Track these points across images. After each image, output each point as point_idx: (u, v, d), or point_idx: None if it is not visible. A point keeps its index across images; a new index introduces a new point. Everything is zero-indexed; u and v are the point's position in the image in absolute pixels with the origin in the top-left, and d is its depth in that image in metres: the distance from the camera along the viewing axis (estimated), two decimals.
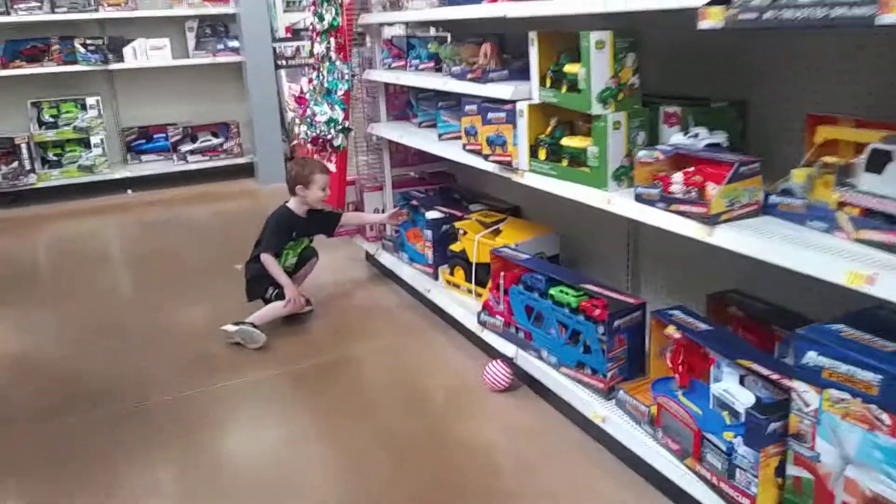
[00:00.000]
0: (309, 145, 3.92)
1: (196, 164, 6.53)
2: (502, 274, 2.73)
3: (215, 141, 6.61)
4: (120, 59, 6.20)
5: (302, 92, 3.99)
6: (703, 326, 2.10)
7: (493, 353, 2.85)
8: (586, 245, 3.10)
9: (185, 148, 6.50)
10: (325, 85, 3.70)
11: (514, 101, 2.45)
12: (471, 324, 2.98)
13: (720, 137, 2.04)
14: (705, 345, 2.02)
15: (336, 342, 3.29)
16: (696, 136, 2.04)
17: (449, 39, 3.48)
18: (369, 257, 4.20)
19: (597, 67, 2.05)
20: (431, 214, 3.47)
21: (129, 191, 6.36)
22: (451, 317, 3.19)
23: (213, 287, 4.08)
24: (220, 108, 6.83)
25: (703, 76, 2.37)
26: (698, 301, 2.37)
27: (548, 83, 2.34)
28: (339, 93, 3.66)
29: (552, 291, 2.51)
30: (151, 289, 4.15)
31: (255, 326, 3.27)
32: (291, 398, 2.89)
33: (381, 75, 3.55)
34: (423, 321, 3.41)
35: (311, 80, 3.84)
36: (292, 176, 3.46)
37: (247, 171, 6.69)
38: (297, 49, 6.54)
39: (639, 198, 1.98)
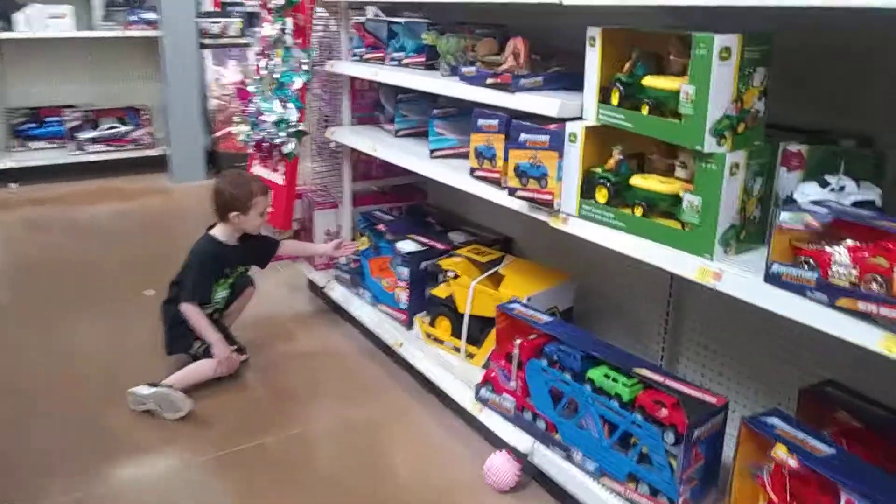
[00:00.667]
0: (250, 150, 3.15)
1: (97, 154, 5.54)
2: (518, 342, 2.08)
3: (121, 129, 5.64)
4: (9, 26, 5.15)
5: (244, 83, 3.20)
6: (824, 449, 1.53)
7: (495, 441, 2.20)
8: (605, 295, 2.50)
9: (84, 135, 5.49)
10: (276, 76, 2.94)
11: (560, 121, 1.82)
12: (463, 398, 2.32)
13: (872, 193, 1.48)
14: (840, 483, 1.45)
15: (281, 411, 2.55)
16: (840, 189, 1.46)
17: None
18: (313, 287, 3.46)
19: (717, 86, 1.44)
20: (405, 246, 2.78)
21: (13, 184, 5.31)
22: (431, 383, 2.53)
23: (117, 319, 3.24)
24: (130, 90, 5.86)
25: (818, 100, 1.79)
26: (766, 389, 1.82)
27: (614, 99, 1.72)
28: (294, 87, 2.92)
29: (593, 374, 1.90)
30: (30, 317, 3.25)
31: (174, 389, 2.49)
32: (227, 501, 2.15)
33: (352, 69, 2.83)
34: (392, 383, 2.72)
35: (258, 70, 3.07)
36: (226, 198, 2.69)
37: (158, 165, 5.74)
38: (225, 26, 5.66)
39: (775, 279, 1.37)
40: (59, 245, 4.27)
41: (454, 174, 2.27)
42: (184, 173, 5.54)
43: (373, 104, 3.13)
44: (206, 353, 2.68)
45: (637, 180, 1.72)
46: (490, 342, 2.40)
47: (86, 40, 5.49)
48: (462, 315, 2.50)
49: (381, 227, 2.99)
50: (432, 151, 2.44)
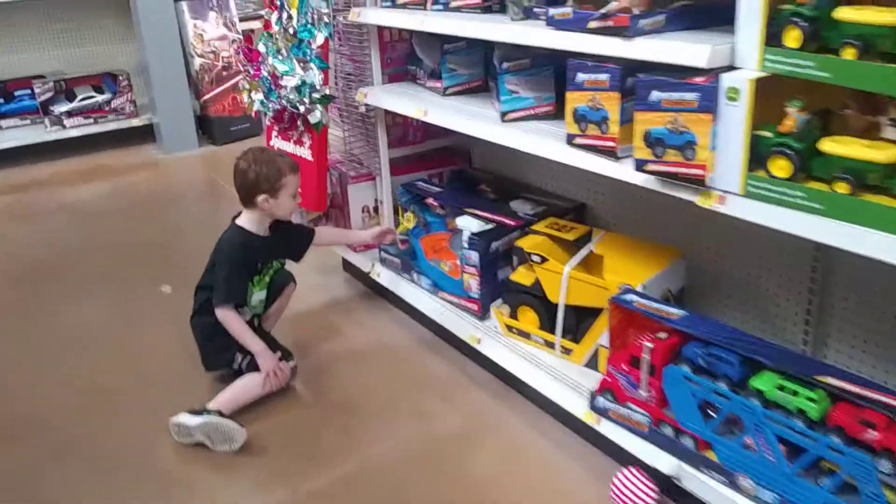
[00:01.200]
0: (268, 122, 2.69)
1: (76, 129, 5.01)
2: (650, 346, 1.71)
3: (99, 98, 5.09)
4: None
5: (250, 42, 2.71)
6: None
7: (617, 455, 1.86)
8: (719, 270, 2.12)
9: (59, 108, 4.95)
10: (293, 31, 2.46)
11: (707, 72, 1.39)
12: (572, 405, 1.96)
13: None
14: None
15: (347, 431, 2.19)
16: None
17: None
18: (349, 266, 3.07)
19: None
20: (468, 224, 2.37)
21: None
22: (517, 381, 2.17)
23: (135, 325, 2.84)
24: (102, 54, 5.31)
25: None
26: None
27: (791, 40, 1.29)
28: (316, 43, 2.44)
29: (760, 385, 1.53)
30: (31, 329, 2.84)
31: (224, 416, 2.12)
32: None
33: (387, 17, 2.35)
34: (470, 384, 2.36)
35: (267, 24, 2.58)
36: (251, 179, 2.26)
37: (144, 135, 5.24)
38: None
39: None
40: (47, 237, 3.81)
41: (544, 143, 1.84)
42: (174, 143, 5.05)
43: (405, 57, 2.66)
44: (251, 366, 2.30)
45: (831, 145, 1.31)
46: (593, 336, 2.03)
47: (46, 1, 4.88)
48: (553, 305, 2.12)
49: (430, 200, 2.57)
50: (504, 114, 2.00)
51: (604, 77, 1.59)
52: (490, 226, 2.35)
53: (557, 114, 2.00)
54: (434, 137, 2.87)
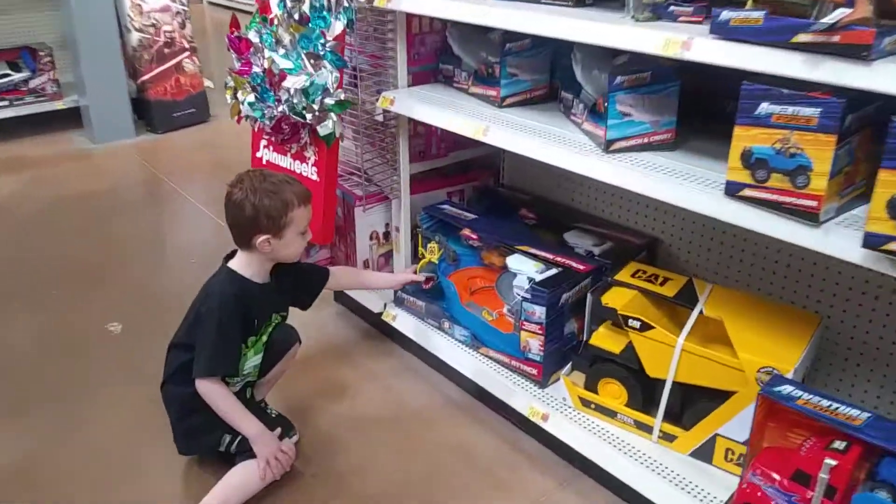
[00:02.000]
0: (256, 129, 2.13)
1: None
2: (830, 464, 1.29)
3: (15, 76, 4.31)
4: None
5: (237, 27, 2.12)
6: None
7: None
8: (845, 332, 1.72)
9: None
10: (301, 18, 1.91)
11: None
12: None
13: None
14: None
15: None
16: None
17: None
18: (342, 296, 2.55)
19: None
20: (521, 266, 1.92)
21: None
22: (600, 470, 1.73)
23: (74, 383, 2.23)
24: (19, 24, 4.49)
25: None
26: None
27: None
28: (332, 34, 1.90)
29: None
30: None
31: None
32: None
33: (428, 5, 1.80)
34: (531, 468, 1.90)
35: (264, 7, 2.00)
36: (250, 216, 1.72)
37: (70, 120, 4.49)
38: None
39: None
40: None
41: (683, 191, 1.37)
42: (106, 130, 4.34)
43: (434, 53, 2.14)
44: (242, 448, 1.79)
45: None
46: (710, 423, 1.61)
47: None
48: (649, 380, 1.69)
49: (466, 232, 2.07)
50: (611, 142, 1.52)
51: (811, 112, 1.14)
52: (553, 270, 1.89)
53: (675, 143, 1.55)
54: (458, 149, 2.36)
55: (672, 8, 1.37)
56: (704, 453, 1.64)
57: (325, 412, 2.12)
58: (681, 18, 1.37)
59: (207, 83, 4.83)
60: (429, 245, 2.20)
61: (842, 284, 1.70)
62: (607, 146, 1.52)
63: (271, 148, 2.20)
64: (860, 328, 1.69)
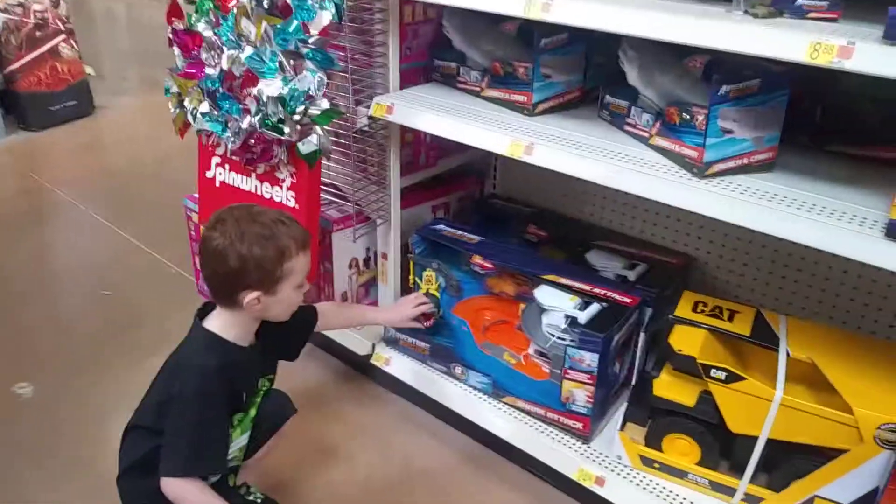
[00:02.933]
0: (215, 149, 1.70)
1: None
2: None
3: None
4: None
5: (179, 15, 1.66)
6: None
7: None
8: None
9: None
10: (270, 6, 1.49)
11: None
12: None
13: None
14: None
15: None
16: None
17: None
18: (330, 344, 2.16)
19: None
20: (553, 300, 1.63)
21: None
22: None
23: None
24: None
25: None
26: None
27: None
28: (316, 27, 1.49)
29: None
30: None
31: None
32: None
33: None
34: None
35: None
36: (234, 267, 1.31)
37: None
38: None
39: None
40: None
41: (836, 235, 1.10)
42: None
43: (427, 46, 1.78)
44: None
45: None
46: (809, 484, 1.39)
47: None
48: (733, 436, 1.45)
49: (478, 259, 1.75)
50: (708, 165, 1.24)
51: None
52: (595, 305, 1.61)
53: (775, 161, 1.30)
54: (447, 157, 2.02)
55: (800, 2, 1.09)
56: None
57: (317, 482, 1.76)
58: (811, 14, 1.10)
59: (88, 70, 4.16)
60: (424, 273, 1.86)
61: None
62: (705, 170, 1.24)
63: (227, 167, 1.77)
64: None
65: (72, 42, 3.96)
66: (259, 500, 1.61)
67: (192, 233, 2.14)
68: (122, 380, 2.05)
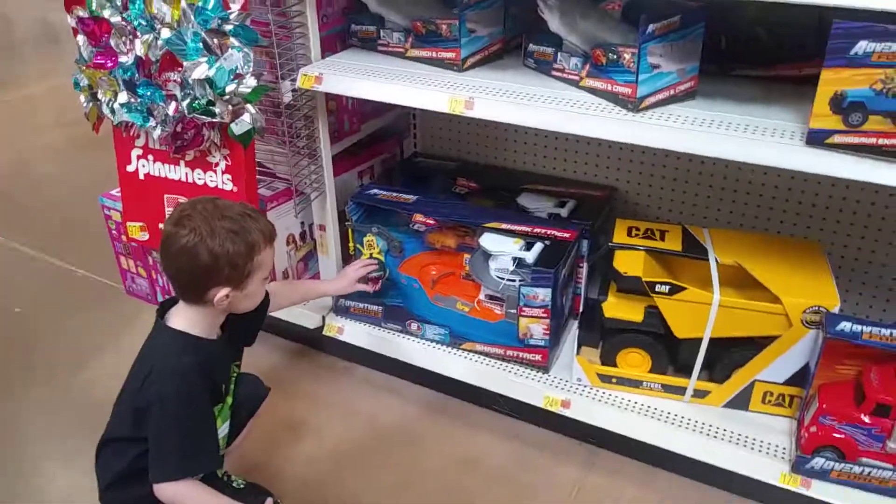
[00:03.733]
0: (155, 143, 1.63)
1: None
2: None
3: None
4: None
5: (78, 4, 1.56)
6: None
7: None
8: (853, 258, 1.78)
9: None
10: None
11: None
12: (752, 468, 1.52)
13: None
14: None
15: None
16: None
17: None
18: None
19: None
20: (498, 245, 1.72)
21: None
22: (633, 445, 1.65)
23: None
24: None
25: None
26: None
27: None
28: (235, 4, 1.46)
29: None
30: None
31: None
32: None
33: None
34: (555, 461, 1.76)
35: None
36: (204, 264, 1.29)
37: None
38: None
39: None
40: None
41: (761, 148, 1.24)
42: None
43: (341, 12, 1.78)
44: None
45: None
46: (749, 371, 1.58)
47: None
48: (675, 342, 1.61)
49: (419, 217, 1.80)
50: (641, 100, 1.35)
51: None
52: (538, 245, 1.71)
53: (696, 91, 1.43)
54: (369, 120, 2.04)
55: None
56: (741, 401, 1.62)
57: (292, 459, 1.78)
58: None
59: None
60: (364, 239, 1.89)
61: (818, 206, 1.74)
62: (638, 104, 1.35)
63: (151, 158, 1.70)
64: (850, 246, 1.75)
65: None
66: (242, 487, 1.62)
67: (114, 232, 2.04)
68: (55, 400, 1.96)
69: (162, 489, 1.32)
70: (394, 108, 2.08)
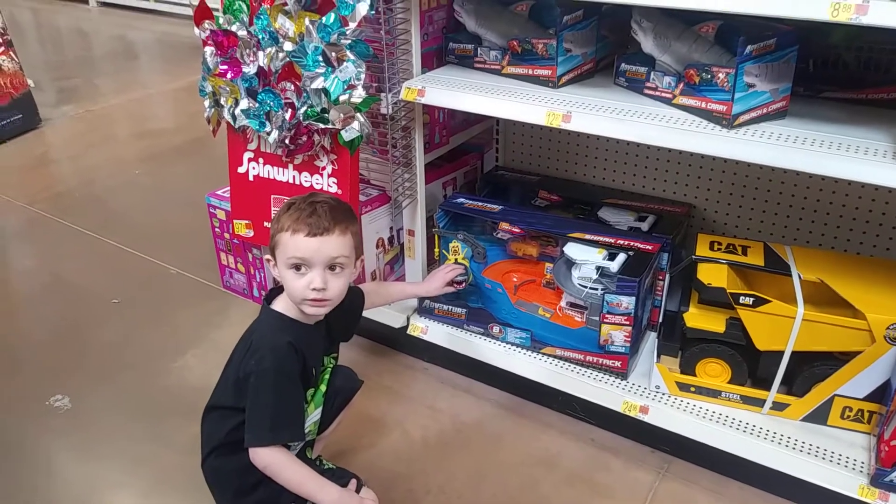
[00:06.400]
0: (271, 147, 1.77)
1: None
2: None
3: None
4: None
5: (207, 18, 1.71)
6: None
7: None
8: None
9: None
10: (307, 3, 1.58)
11: None
12: (821, 478, 1.55)
13: None
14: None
15: None
16: None
17: None
18: None
19: None
20: (581, 254, 1.79)
21: None
22: (709, 454, 1.70)
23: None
24: None
25: None
26: None
27: None
28: (354, 20, 1.59)
29: None
30: None
31: None
32: None
33: None
34: (630, 465, 1.82)
35: None
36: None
37: None
38: None
39: None
40: None
41: (859, 165, 1.29)
42: None
43: (440, 31, 1.90)
44: None
45: None
46: (829, 386, 1.62)
47: None
48: (759, 354, 1.66)
49: (505, 226, 1.90)
50: (736, 117, 1.43)
51: None
52: (621, 255, 1.78)
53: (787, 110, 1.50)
54: (456, 133, 2.15)
55: None
56: (819, 416, 1.65)
57: (377, 451, 1.87)
58: None
59: (30, 82, 4.04)
60: (450, 245, 1.99)
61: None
62: (733, 121, 1.42)
63: (261, 161, 1.84)
64: None
65: (11, 54, 3.84)
66: (334, 468, 1.72)
67: (217, 229, 2.19)
68: (152, 383, 2.10)
69: (257, 454, 1.42)
70: (480, 122, 2.18)
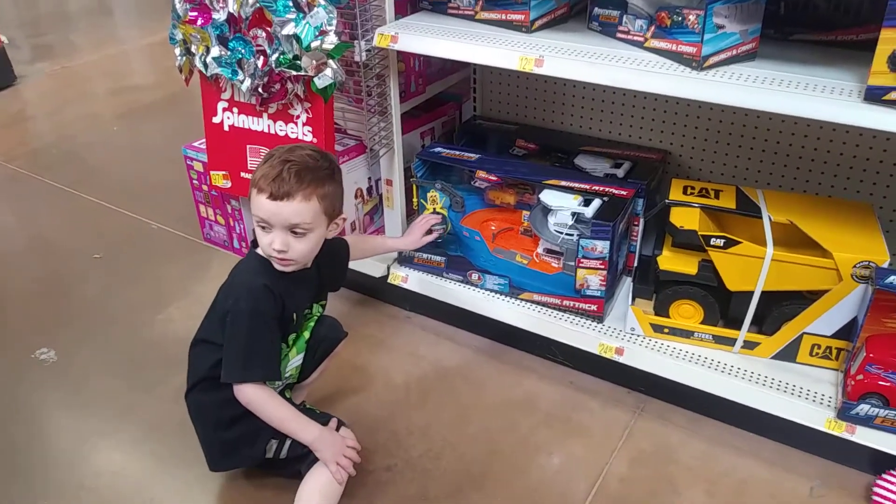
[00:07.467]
0: (244, 95, 1.76)
1: None
2: None
3: None
4: None
5: None
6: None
7: (877, 464, 1.57)
8: None
9: None
10: None
11: None
12: (792, 412, 1.61)
13: None
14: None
15: None
16: None
17: None
18: None
19: None
20: (558, 201, 1.81)
21: None
22: (683, 393, 1.75)
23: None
24: None
25: None
26: None
27: None
28: None
29: None
30: None
31: None
32: None
33: None
34: (607, 406, 1.86)
35: None
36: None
37: None
38: None
39: None
40: None
41: (820, 103, 1.31)
42: None
43: None
44: (295, 452, 1.55)
45: None
46: (797, 324, 1.66)
47: None
48: (730, 295, 1.69)
49: (482, 174, 1.90)
50: (705, 59, 1.43)
51: None
52: (597, 201, 1.80)
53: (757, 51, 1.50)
54: (433, 82, 2.14)
55: None
56: (789, 353, 1.70)
57: (361, 397, 1.90)
58: None
59: (3, 38, 3.96)
60: (428, 194, 2.00)
61: (869, 169, 1.80)
62: (702, 63, 1.43)
63: (236, 110, 1.83)
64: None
65: None
66: (317, 411, 1.76)
67: (195, 181, 2.18)
68: (136, 336, 2.12)
69: (240, 390, 1.47)
70: (457, 71, 2.17)
